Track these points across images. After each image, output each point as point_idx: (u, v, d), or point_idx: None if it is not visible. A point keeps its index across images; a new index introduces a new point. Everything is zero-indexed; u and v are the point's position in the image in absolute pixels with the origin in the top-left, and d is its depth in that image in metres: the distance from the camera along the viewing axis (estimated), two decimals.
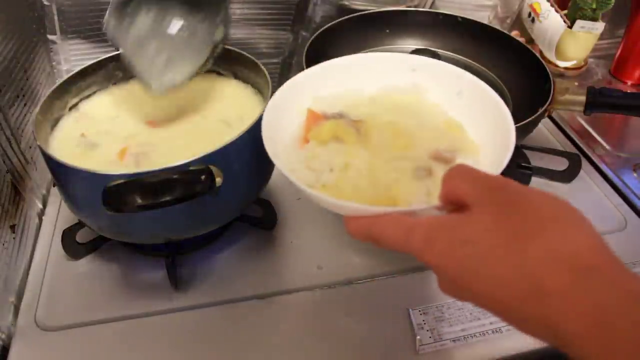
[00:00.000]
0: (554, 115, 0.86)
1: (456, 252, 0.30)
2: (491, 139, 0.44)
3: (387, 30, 0.85)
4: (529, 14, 0.94)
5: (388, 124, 0.47)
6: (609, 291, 0.26)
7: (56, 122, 0.61)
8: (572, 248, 0.28)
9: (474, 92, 0.47)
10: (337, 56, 0.51)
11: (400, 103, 0.50)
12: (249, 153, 0.54)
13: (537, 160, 0.75)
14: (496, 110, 0.44)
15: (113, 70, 0.66)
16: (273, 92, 0.47)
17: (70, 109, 0.63)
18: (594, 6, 0.90)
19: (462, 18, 0.83)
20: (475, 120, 0.46)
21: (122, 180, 0.45)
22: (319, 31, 0.78)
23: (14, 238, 0.60)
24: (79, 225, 0.61)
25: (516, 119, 0.64)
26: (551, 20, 0.90)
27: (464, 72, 0.48)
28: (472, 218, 0.30)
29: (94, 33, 0.78)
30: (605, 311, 0.25)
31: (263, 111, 0.44)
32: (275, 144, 0.43)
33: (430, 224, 0.32)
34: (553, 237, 0.28)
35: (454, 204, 0.33)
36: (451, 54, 0.84)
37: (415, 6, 0.89)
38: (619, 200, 0.71)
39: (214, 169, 0.47)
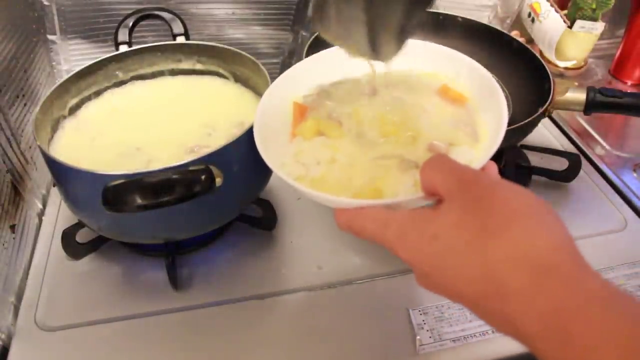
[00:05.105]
0: (554, 115, 0.86)
1: (425, 247, 0.30)
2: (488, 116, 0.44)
3: None
4: (529, 14, 0.94)
5: (376, 116, 0.46)
6: (566, 292, 0.26)
7: (57, 123, 0.61)
8: (533, 247, 0.28)
9: (471, 74, 0.47)
10: None
11: (394, 82, 0.49)
12: (249, 153, 0.54)
13: (537, 160, 0.75)
14: (493, 97, 0.43)
15: (113, 70, 0.66)
16: None
17: (72, 111, 0.63)
18: (594, 6, 0.90)
19: (462, 18, 0.83)
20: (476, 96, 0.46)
21: (122, 180, 0.45)
22: None
23: (14, 238, 0.60)
24: (79, 225, 0.61)
25: (516, 119, 0.64)
26: (551, 20, 0.90)
27: (462, 56, 0.48)
28: (441, 213, 0.31)
29: (94, 33, 0.78)
30: (560, 312, 0.25)
31: None
32: (267, 138, 0.43)
33: (403, 219, 0.32)
34: (515, 235, 0.28)
35: (434, 195, 0.33)
36: None
37: None
38: (619, 200, 0.71)
39: (214, 169, 0.47)
